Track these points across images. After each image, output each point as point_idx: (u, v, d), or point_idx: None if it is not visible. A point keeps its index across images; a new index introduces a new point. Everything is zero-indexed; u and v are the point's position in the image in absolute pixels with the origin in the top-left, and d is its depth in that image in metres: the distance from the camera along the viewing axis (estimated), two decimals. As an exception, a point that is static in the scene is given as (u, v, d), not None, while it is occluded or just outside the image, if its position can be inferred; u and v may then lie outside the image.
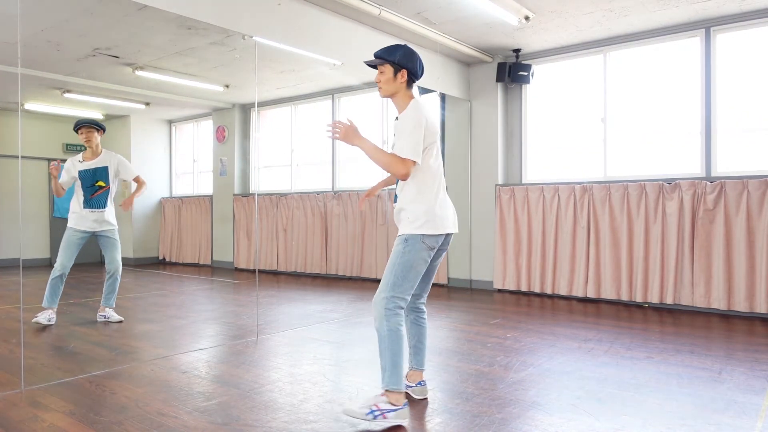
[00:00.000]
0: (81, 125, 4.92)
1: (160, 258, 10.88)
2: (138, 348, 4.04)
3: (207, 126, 10.34)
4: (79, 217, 4.86)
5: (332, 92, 8.38)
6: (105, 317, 4.99)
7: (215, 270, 9.38)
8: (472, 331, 4.46)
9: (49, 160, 10.40)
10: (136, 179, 5.09)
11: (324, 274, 8.34)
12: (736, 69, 5.42)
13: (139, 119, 10.45)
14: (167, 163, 11.02)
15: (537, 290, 6.31)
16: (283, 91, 8.43)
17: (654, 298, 5.50)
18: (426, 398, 2.90)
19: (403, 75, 2.75)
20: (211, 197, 9.98)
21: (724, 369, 3.39)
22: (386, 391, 2.56)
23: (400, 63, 2.73)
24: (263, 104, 9.21)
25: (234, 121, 9.52)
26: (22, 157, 9.75)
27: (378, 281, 7.63)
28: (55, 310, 4.87)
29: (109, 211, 4.97)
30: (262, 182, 9.56)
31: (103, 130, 5.05)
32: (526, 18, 5.23)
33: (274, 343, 4.15)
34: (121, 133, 10.58)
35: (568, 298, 6.09)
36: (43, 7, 4.99)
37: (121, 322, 4.95)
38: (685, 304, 5.38)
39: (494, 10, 4.99)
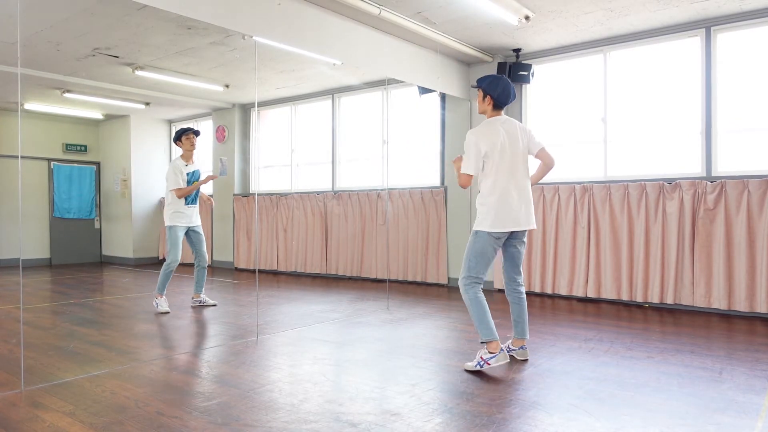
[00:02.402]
0: (189, 132, 5.57)
1: (160, 258, 10.88)
2: (138, 348, 4.04)
3: (207, 126, 10.34)
4: (181, 215, 5.50)
5: (332, 92, 8.38)
6: (200, 302, 5.71)
7: (215, 270, 9.38)
8: (472, 331, 4.45)
9: (50, 159, 10.41)
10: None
11: (324, 274, 8.34)
12: (736, 69, 5.42)
13: (139, 119, 10.45)
14: (167, 163, 11.01)
15: (537, 290, 6.31)
16: (283, 91, 8.43)
17: (654, 298, 5.49)
18: (527, 359, 3.58)
19: (489, 100, 3.46)
20: (211, 197, 9.96)
21: (725, 369, 3.38)
22: (483, 342, 3.36)
23: (485, 89, 3.46)
24: (263, 104, 9.21)
25: (234, 121, 9.52)
26: (22, 157, 9.75)
27: (378, 281, 7.64)
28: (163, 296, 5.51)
29: (198, 208, 5.72)
30: (262, 182, 9.56)
31: (199, 135, 5.74)
32: (526, 18, 5.23)
33: (274, 343, 4.15)
34: (121, 133, 10.59)
35: (568, 298, 6.08)
36: (43, 7, 4.99)
37: (215, 305, 5.70)
38: (685, 303, 5.38)
39: (494, 9, 4.98)
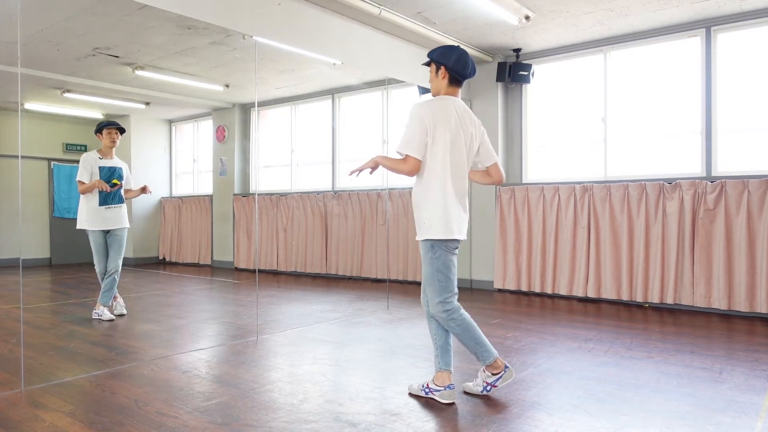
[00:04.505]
0: (110, 126, 5.14)
1: (160, 258, 10.88)
2: (138, 348, 4.04)
3: (207, 126, 10.34)
4: (98, 217, 5.00)
5: (332, 92, 8.38)
6: (99, 315, 5.05)
7: (215, 270, 9.38)
8: (472, 331, 4.45)
9: (50, 159, 10.40)
10: (129, 191, 5.31)
11: (324, 274, 8.34)
12: (736, 69, 5.42)
13: (139, 119, 10.45)
14: (167, 162, 11.02)
15: (537, 290, 6.31)
16: (283, 91, 8.43)
17: (654, 298, 5.49)
18: (453, 403, 2.82)
19: (443, 72, 2.83)
20: (211, 197, 9.98)
21: (725, 369, 3.38)
22: (488, 365, 2.85)
23: (438, 60, 2.83)
24: (263, 104, 9.21)
25: (234, 121, 9.52)
26: (22, 156, 9.75)
27: (378, 281, 7.63)
28: (117, 297, 5.28)
29: (125, 209, 5.18)
30: (262, 182, 9.56)
31: (124, 132, 5.30)
32: (527, 17, 5.23)
33: (274, 343, 4.15)
34: (121, 133, 10.58)
35: (568, 298, 6.08)
36: (43, 7, 4.99)
37: (112, 320, 5.00)
38: (685, 303, 5.38)
39: (494, 9, 4.98)
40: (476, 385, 2.92)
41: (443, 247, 2.78)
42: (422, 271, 2.86)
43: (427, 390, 2.89)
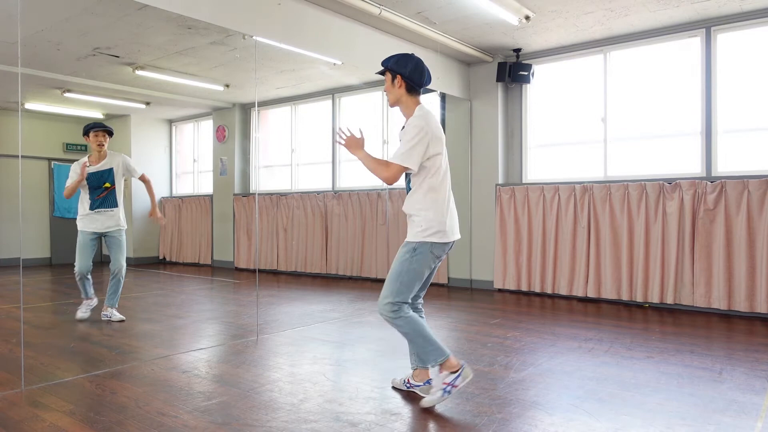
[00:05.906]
0: (96, 128, 4.97)
1: (161, 257, 10.89)
2: (138, 348, 4.04)
3: (207, 126, 10.34)
4: (89, 219, 4.96)
5: (332, 92, 8.38)
6: (108, 316, 5.04)
7: (215, 270, 9.38)
8: (472, 331, 4.46)
9: (50, 159, 10.40)
10: (142, 178, 5.29)
11: (324, 274, 8.34)
12: (736, 69, 5.42)
13: (140, 119, 10.45)
14: (167, 162, 11.02)
15: (537, 290, 6.31)
16: (283, 91, 8.43)
17: (654, 298, 5.49)
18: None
19: (399, 81, 2.84)
20: (211, 197, 9.98)
21: (725, 369, 3.38)
22: (440, 365, 2.74)
23: (393, 69, 2.84)
24: (263, 104, 9.21)
25: (234, 121, 9.53)
26: (22, 156, 9.75)
27: (378, 281, 7.62)
28: (92, 298, 5.17)
29: (119, 211, 5.07)
30: (262, 182, 9.56)
31: (112, 134, 5.15)
32: (527, 18, 5.23)
33: (274, 343, 4.15)
34: (121, 133, 10.58)
35: (568, 298, 6.08)
36: (43, 7, 4.99)
37: (122, 321, 5.02)
38: (685, 303, 5.38)
39: (495, 9, 4.98)
40: (435, 391, 2.73)
41: (427, 251, 2.74)
42: (391, 268, 2.80)
43: (408, 385, 3.01)
